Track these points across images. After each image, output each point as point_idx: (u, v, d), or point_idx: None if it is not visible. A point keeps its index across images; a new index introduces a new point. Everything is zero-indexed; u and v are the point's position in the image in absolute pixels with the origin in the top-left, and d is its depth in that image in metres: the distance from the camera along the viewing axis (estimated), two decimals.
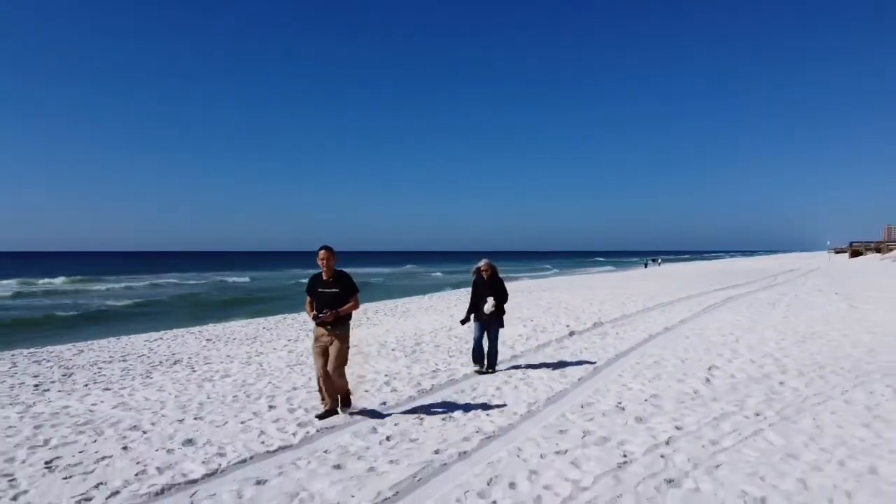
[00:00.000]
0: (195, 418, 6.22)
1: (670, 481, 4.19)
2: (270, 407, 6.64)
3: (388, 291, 30.29)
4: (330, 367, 5.72)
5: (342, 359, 5.73)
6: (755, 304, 16.20)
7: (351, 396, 6.04)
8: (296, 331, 13.54)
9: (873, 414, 5.67)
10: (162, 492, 4.25)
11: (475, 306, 7.52)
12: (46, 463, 4.84)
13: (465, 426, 5.61)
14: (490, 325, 7.82)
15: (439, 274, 55.68)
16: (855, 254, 68.74)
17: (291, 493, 4.14)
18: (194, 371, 9.04)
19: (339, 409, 5.89)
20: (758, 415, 5.79)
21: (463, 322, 7.74)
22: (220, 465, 4.71)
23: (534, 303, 18.62)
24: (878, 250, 66.53)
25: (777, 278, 30.05)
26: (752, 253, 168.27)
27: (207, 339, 12.67)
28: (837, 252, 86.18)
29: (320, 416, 5.84)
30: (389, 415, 6.15)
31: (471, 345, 8.13)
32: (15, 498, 4.13)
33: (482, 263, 7.69)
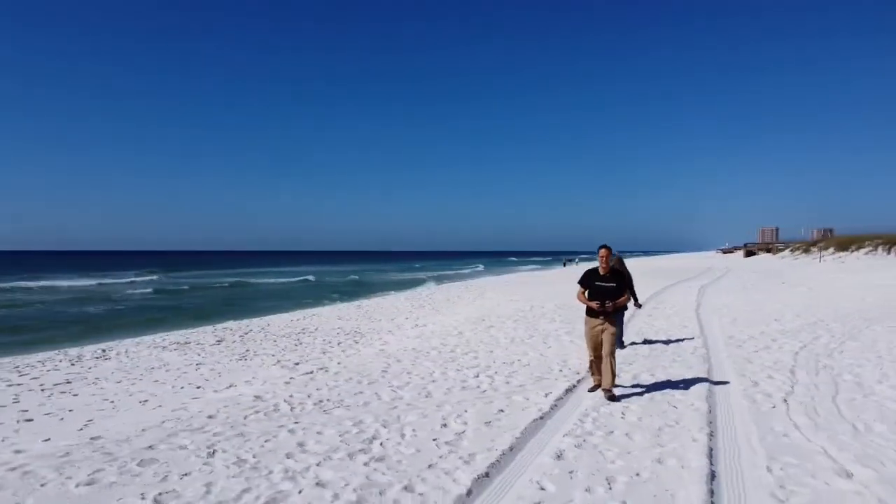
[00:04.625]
0: None
1: (828, 356, 7.66)
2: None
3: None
4: (605, 352, 6.78)
5: (614, 340, 6.83)
6: (728, 291, 20.55)
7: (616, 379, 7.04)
8: None
9: (886, 323, 9.48)
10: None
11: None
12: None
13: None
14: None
15: (356, 276, 57.60)
16: (749, 254, 79.51)
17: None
18: None
19: (602, 388, 6.94)
20: (832, 336, 9.53)
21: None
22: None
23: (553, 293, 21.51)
24: (769, 250, 77.30)
25: (714, 273, 35.16)
26: (649, 253, 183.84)
27: None
28: (725, 252, 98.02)
29: (592, 390, 7.14)
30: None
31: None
32: None
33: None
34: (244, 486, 4.53)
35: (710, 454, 4.90)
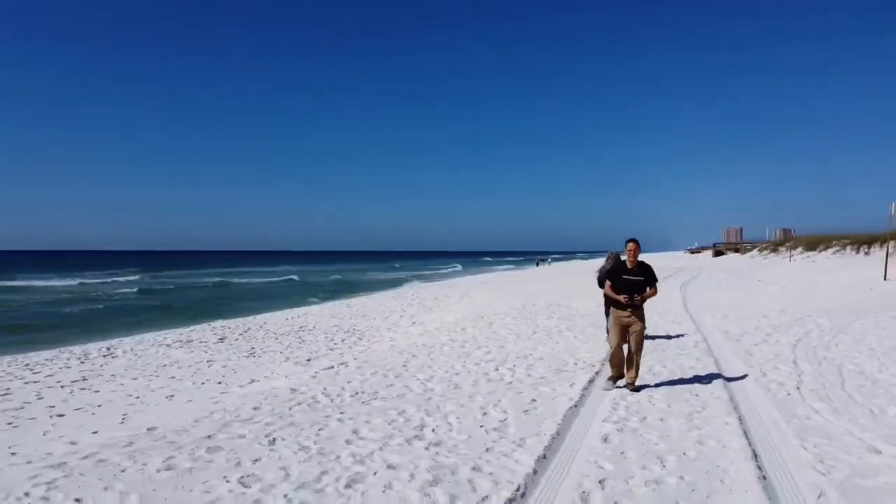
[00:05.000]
0: None
1: (824, 348, 8.49)
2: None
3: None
4: (633, 346, 7.10)
5: (642, 337, 7.13)
6: (708, 289, 21.44)
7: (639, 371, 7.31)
8: None
9: (881, 326, 10.17)
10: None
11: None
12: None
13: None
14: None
15: (338, 276, 57.68)
16: (717, 253, 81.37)
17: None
18: None
19: (626, 382, 7.20)
20: (823, 330, 10.40)
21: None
22: None
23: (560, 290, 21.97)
24: (737, 250, 79.14)
25: (688, 272, 36.16)
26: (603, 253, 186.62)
27: None
28: (693, 252, 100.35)
29: (611, 379, 7.32)
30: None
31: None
32: None
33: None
34: (319, 469, 4.81)
35: (746, 435, 5.32)
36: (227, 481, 4.58)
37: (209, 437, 5.80)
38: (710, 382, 7.45)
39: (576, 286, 26.83)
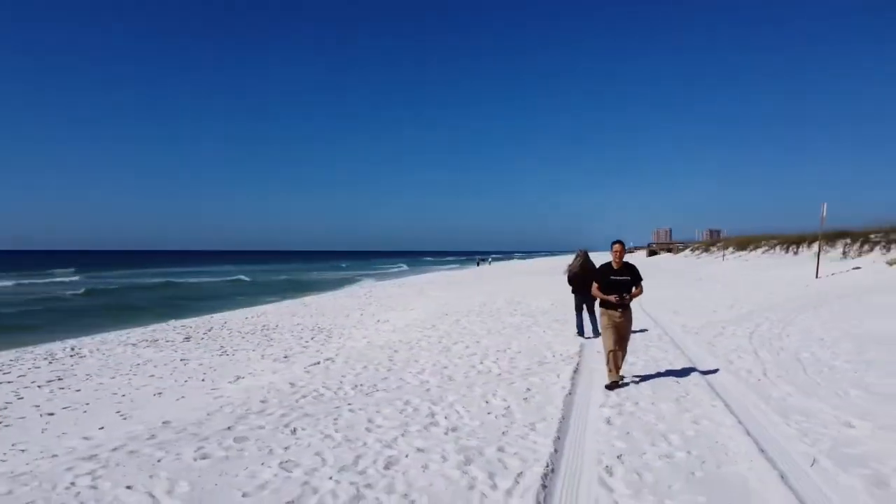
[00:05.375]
0: None
1: (778, 340, 9.08)
2: None
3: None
4: (626, 338, 7.44)
5: (629, 334, 7.50)
6: (654, 287, 23.31)
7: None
8: None
9: (824, 319, 11.20)
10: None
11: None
12: None
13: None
14: (587, 299, 11.48)
15: (287, 276, 56.98)
16: (651, 253, 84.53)
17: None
18: None
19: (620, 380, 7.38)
20: (772, 323, 11.20)
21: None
22: None
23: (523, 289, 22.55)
24: (670, 250, 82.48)
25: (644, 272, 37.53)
26: (554, 253, 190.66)
27: None
28: (627, 252, 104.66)
29: (610, 387, 7.19)
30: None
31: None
32: None
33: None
34: (353, 453, 5.09)
35: (734, 415, 5.89)
36: (268, 467, 4.81)
37: (229, 428, 5.97)
38: (684, 371, 8.06)
39: (528, 285, 27.53)
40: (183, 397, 8.11)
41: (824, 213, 22.27)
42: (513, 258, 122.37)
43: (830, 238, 27.29)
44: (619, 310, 7.28)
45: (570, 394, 7.03)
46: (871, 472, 4.30)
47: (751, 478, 4.31)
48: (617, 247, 7.41)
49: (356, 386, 7.78)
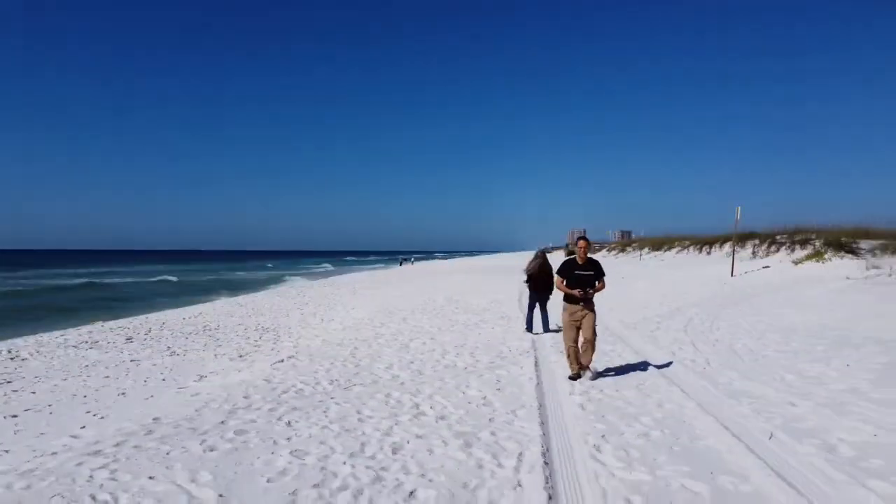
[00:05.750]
0: None
1: (711, 333, 9.97)
2: None
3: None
4: (588, 336, 7.53)
5: (595, 325, 7.61)
6: None
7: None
8: None
9: (747, 314, 12.24)
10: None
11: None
12: None
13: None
14: (542, 297, 12.26)
15: (214, 275, 55.41)
16: (570, 253, 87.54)
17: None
18: None
19: (582, 372, 7.69)
20: (701, 318, 12.34)
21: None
22: None
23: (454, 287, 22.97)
24: (571, 252, 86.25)
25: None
26: (473, 253, 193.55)
27: None
28: (545, 252, 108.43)
29: (572, 378, 7.63)
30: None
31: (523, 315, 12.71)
32: None
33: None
34: (357, 442, 5.41)
35: (693, 398, 6.56)
36: (280, 455, 5.06)
37: (222, 422, 6.13)
38: (636, 361, 8.77)
39: (460, 284, 28.17)
40: (152, 396, 8.11)
41: (738, 216, 24.00)
42: (434, 258, 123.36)
43: (740, 239, 29.29)
44: (581, 304, 7.60)
45: (538, 384, 7.55)
46: (821, 441, 5.01)
47: (722, 450, 4.94)
48: (581, 243, 7.76)
49: (332, 381, 8.02)
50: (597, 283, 7.70)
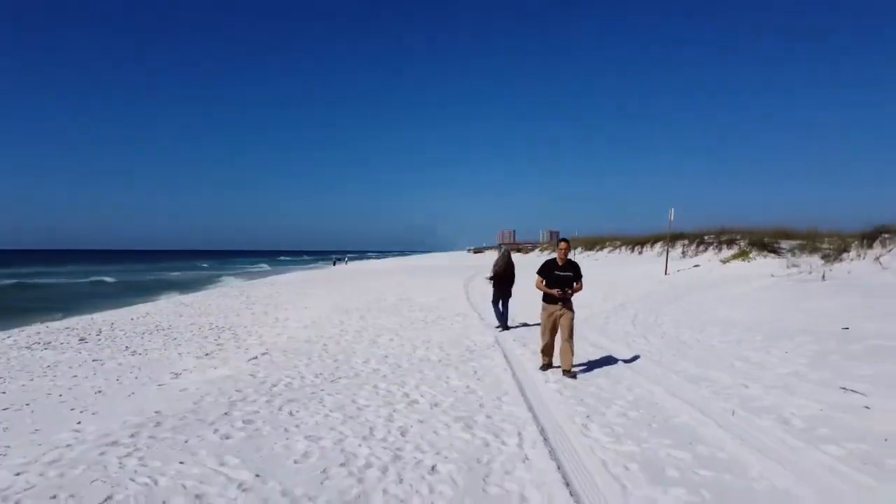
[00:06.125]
0: None
1: (657, 326, 10.81)
2: None
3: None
4: (565, 335, 7.84)
5: (572, 325, 7.94)
6: (519, 284, 24.40)
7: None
8: None
9: (686, 309, 13.33)
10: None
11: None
12: None
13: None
14: (504, 293, 12.86)
15: (150, 275, 53.68)
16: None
17: None
18: None
19: (563, 369, 7.87)
20: (645, 314, 13.29)
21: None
22: None
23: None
24: (520, 251, 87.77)
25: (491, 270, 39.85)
26: (404, 253, 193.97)
27: None
28: (476, 252, 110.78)
29: (543, 368, 8.20)
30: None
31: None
32: None
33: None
34: (364, 427, 5.84)
35: (658, 383, 7.26)
36: (297, 440, 5.43)
37: (226, 414, 6.42)
38: (596, 353, 9.47)
39: (406, 283, 28.59)
40: (133, 393, 8.20)
41: (672, 218, 25.37)
42: (368, 258, 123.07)
43: (671, 239, 30.88)
44: (560, 304, 7.94)
45: (513, 375, 8.12)
46: (776, 416, 5.77)
47: (694, 425, 5.62)
48: (563, 245, 8.17)
49: (317, 375, 8.36)
50: (575, 283, 8.01)
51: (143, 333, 14.40)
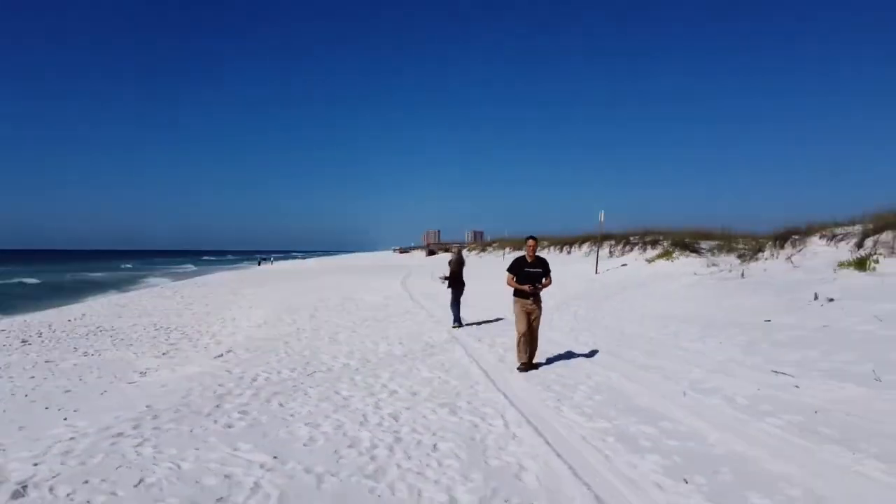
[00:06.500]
0: None
1: (599, 321, 11.64)
2: None
3: None
4: (536, 328, 8.40)
5: (539, 320, 8.48)
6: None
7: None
8: None
9: (622, 307, 14.19)
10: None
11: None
12: None
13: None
14: (458, 291, 13.40)
15: (72, 275, 51.21)
16: (430, 253, 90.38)
17: None
18: None
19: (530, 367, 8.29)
20: (587, 310, 14.11)
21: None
22: None
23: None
24: (448, 250, 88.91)
25: (425, 269, 40.67)
26: (330, 252, 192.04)
27: None
28: (402, 252, 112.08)
29: (521, 369, 8.22)
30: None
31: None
32: None
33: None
34: (356, 415, 6.31)
35: (615, 370, 8.01)
36: (299, 426, 5.85)
37: (218, 406, 6.72)
38: (551, 346, 10.17)
39: (344, 283, 28.84)
40: (106, 391, 8.31)
41: (602, 219, 26.68)
42: (293, 258, 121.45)
43: (599, 240, 32.33)
44: (531, 298, 8.37)
45: (479, 367, 8.71)
46: (722, 395, 6.60)
47: (654, 405, 6.37)
48: (531, 242, 8.59)
49: (292, 370, 8.71)
50: (544, 279, 8.48)
51: (87, 335, 14.20)
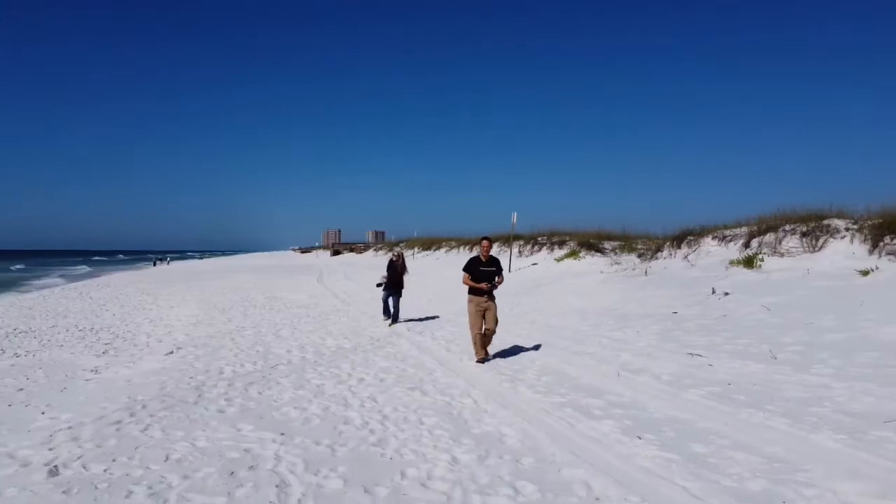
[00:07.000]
0: None
1: (524, 315, 12.83)
2: None
3: None
4: (491, 325, 8.86)
5: (496, 318, 9.02)
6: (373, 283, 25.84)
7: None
8: None
9: (540, 301, 15.41)
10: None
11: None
12: None
13: None
14: (395, 292, 13.98)
15: None
16: (336, 253, 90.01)
17: None
18: None
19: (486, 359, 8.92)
20: (518, 305, 15.09)
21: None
22: None
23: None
24: (353, 250, 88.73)
25: (332, 269, 40.98)
26: (227, 252, 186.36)
27: None
28: (303, 252, 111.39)
29: (480, 362, 8.78)
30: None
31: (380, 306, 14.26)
32: None
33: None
34: (338, 398, 6.95)
35: (551, 356, 9.00)
36: (290, 409, 6.41)
37: (200, 395, 7.14)
38: (499, 340, 11.04)
39: (261, 283, 28.75)
40: (66, 388, 8.38)
41: (514, 220, 28.06)
42: (189, 258, 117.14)
43: (510, 240, 33.81)
44: (485, 296, 8.92)
45: (431, 356, 9.48)
46: (650, 374, 7.74)
47: (595, 383, 7.42)
48: (485, 243, 9.21)
49: (253, 363, 9.15)
50: (497, 277, 9.05)
51: (7, 336, 13.78)
